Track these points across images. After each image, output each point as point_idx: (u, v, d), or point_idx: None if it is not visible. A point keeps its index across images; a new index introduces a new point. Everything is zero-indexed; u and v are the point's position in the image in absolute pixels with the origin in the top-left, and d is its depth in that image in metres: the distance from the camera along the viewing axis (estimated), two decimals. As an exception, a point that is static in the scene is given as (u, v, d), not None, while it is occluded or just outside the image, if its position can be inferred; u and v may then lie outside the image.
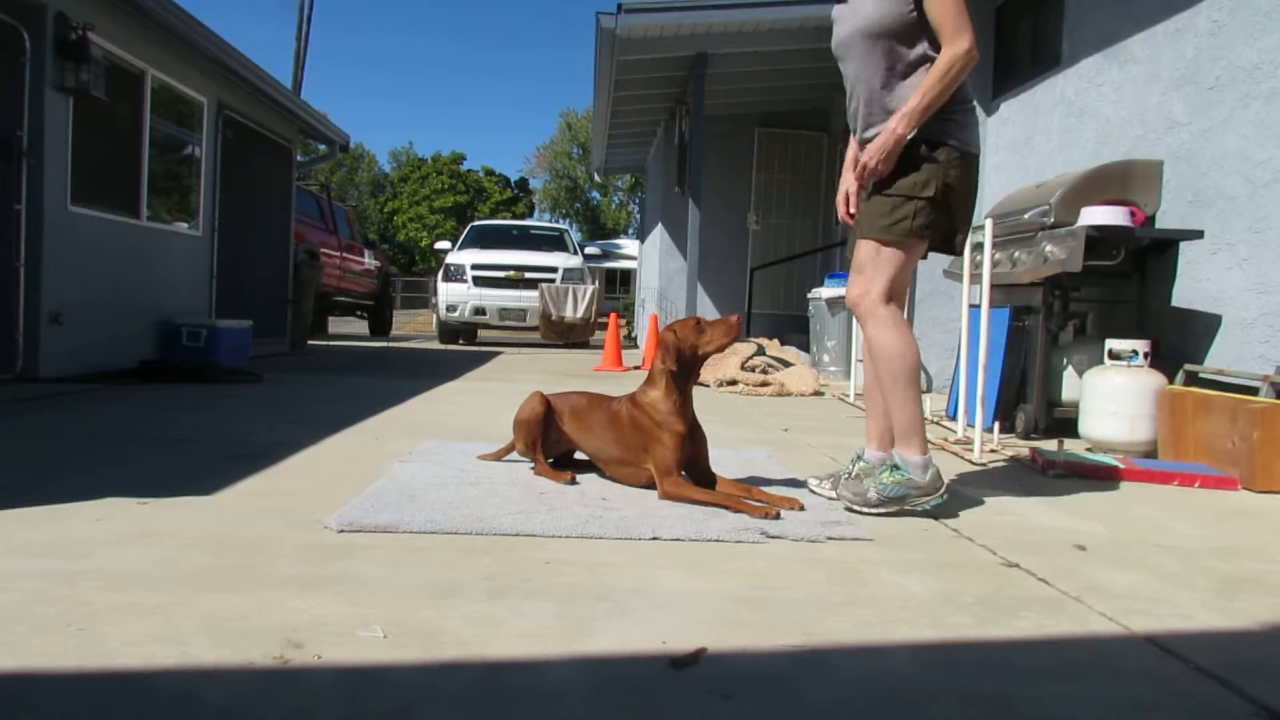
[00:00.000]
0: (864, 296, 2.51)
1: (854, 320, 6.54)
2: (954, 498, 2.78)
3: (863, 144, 2.58)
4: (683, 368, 2.63)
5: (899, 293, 2.56)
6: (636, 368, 8.64)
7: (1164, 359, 4.07)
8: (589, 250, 23.00)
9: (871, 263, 2.49)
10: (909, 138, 2.40)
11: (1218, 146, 4.22)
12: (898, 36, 2.43)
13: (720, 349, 2.67)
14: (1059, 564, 2.08)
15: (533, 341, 12.89)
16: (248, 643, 1.42)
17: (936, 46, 2.41)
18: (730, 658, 1.45)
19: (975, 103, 2.57)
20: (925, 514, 2.48)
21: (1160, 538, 2.39)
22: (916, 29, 2.41)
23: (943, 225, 2.49)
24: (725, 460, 3.07)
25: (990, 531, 2.37)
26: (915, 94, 2.37)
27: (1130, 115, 4.89)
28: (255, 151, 8.40)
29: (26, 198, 5.10)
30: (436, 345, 11.64)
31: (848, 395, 6.04)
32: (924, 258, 2.68)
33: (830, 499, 2.63)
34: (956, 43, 2.33)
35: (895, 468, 2.49)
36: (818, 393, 6.40)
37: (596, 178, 23.32)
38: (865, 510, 2.46)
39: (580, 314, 11.29)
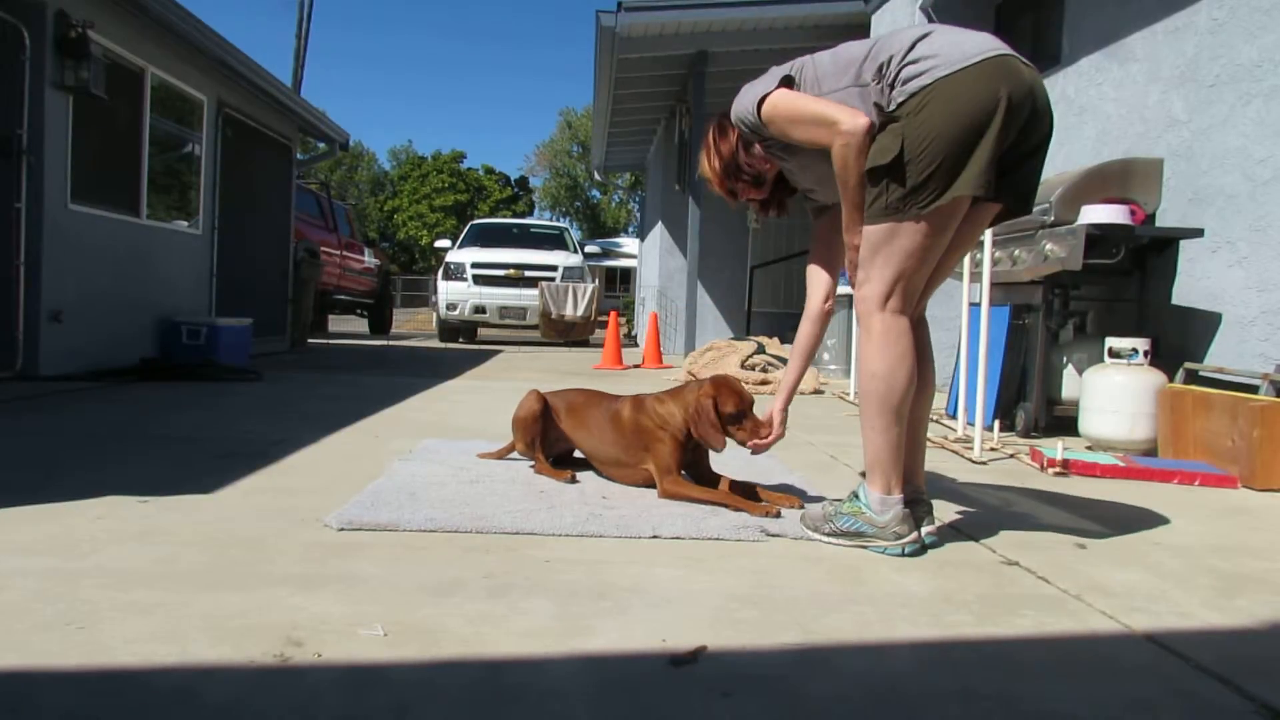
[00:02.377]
0: (861, 299, 2.14)
1: (854, 319, 6.56)
2: (954, 496, 2.79)
3: None
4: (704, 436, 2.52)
5: (906, 300, 2.11)
6: (636, 366, 8.65)
7: (1164, 357, 4.08)
8: (589, 249, 23.00)
9: (869, 254, 2.11)
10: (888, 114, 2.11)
11: (1218, 144, 4.22)
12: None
13: (734, 437, 2.53)
14: (1059, 562, 2.08)
15: (533, 340, 12.89)
16: (248, 641, 1.42)
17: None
18: (730, 656, 1.45)
19: (935, 28, 2.11)
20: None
21: (1160, 536, 2.39)
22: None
23: (930, 188, 1.98)
24: (725, 458, 3.07)
25: (990, 530, 2.37)
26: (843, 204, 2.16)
27: (1130, 113, 4.89)
28: (255, 149, 8.39)
29: (26, 196, 5.10)
30: (436, 344, 11.64)
31: (848, 394, 6.04)
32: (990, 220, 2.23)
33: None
34: (833, 141, 2.07)
35: (855, 497, 2.17)
36: (818, 391, 6.40)
37: (596, 176, 23.26)
38: (817, 537, 2.18)
39: (580, 312, 11.30)
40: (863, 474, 2.19)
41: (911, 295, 2.13)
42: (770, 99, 2.17)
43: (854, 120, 2.03)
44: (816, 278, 2.48)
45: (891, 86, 2.04)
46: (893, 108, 2.03)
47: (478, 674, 1.35)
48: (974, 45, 2.04)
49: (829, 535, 2.17)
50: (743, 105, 2.25)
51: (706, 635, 1.52)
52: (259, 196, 8.59)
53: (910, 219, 2.02)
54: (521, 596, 1.70)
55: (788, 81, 2.18)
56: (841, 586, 1.84)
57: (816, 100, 2.12)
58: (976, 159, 1.96)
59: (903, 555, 2.07)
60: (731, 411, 2.49)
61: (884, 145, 2.02)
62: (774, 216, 2.56)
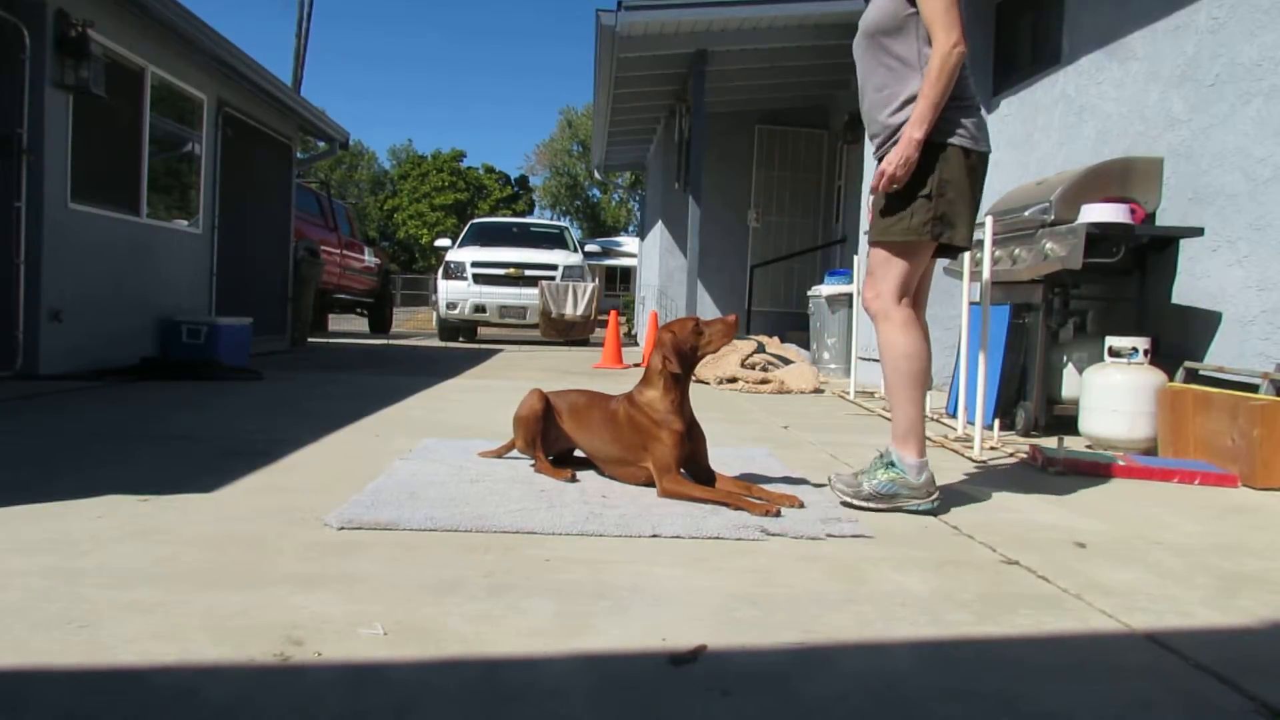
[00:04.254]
0: (876, 299, 2.55)
1: (854, 318, 6.56)
2: (954, 495, 2.79)
3: (878, 147, 2.62)
4: (686, 369, 2.63)
5: (915, 295, 2.57)
6: (636, 365, 8.64)
7: (1164, 356, 4.07)
8: (589, 248, 22.98)
9: (881, 266, 2.54)
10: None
11: (1218, 143, 4.22)
12: (894, 37, 2.48)
13: (717, 349, 2.67)
14: (1059, 561, 2.08)
15: (533, 339, 12.89)
16: (248, 640, 1.42)
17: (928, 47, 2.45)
18: (730, 655, 1.45)
19: (979, 107, 2.57)
20: (915, 514, 2.48)
21: (1160, 535, 2.39)
22: (912, 30, 2.45)
23: (946, 222, 2.49)
24: (725, 458, 3.07)
25: (990, 529, 2.37)
26: (920, 98, 2.41)
27: (1130, 112, 4.89)
28: (255, 148, 8.39)
29: (26, 195, 5.10)
30: (436, 343, 11.64)
31: (848, 393, 6.04)
32: (936, 256, 2.65)
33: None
34: (945, 39, 2.36)
35: (891, 464, 2.50)
36: (818, 390, 6.40)
37: (597, 175, 23.28)
38: (856, 501, 2.49)
39: (580, 311, 11.29)
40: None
41: (911, 294, 2.56)
42: None
43: (959, 47, 2.37)
44: None
45: (943, 115, 2.43)
46: (930, 137, 2.42)
47: (478, 673, 1.35)
48: (986, 135, 2.56)
49: (868, 500, 2.48)
50: None
51: (706, 634, 1.52)
52: (259, 195, 8.59)
53: (925, 240, 2.49)
54: (521, 596, 1.70)
55: None
56: (841, 585, 1.84)
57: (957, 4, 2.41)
58: (971, 221, 2.53)
59: (933, 510, 2.45)
60: (692, 328, 2.64)
61: (919, 178, 2.45)
62: None
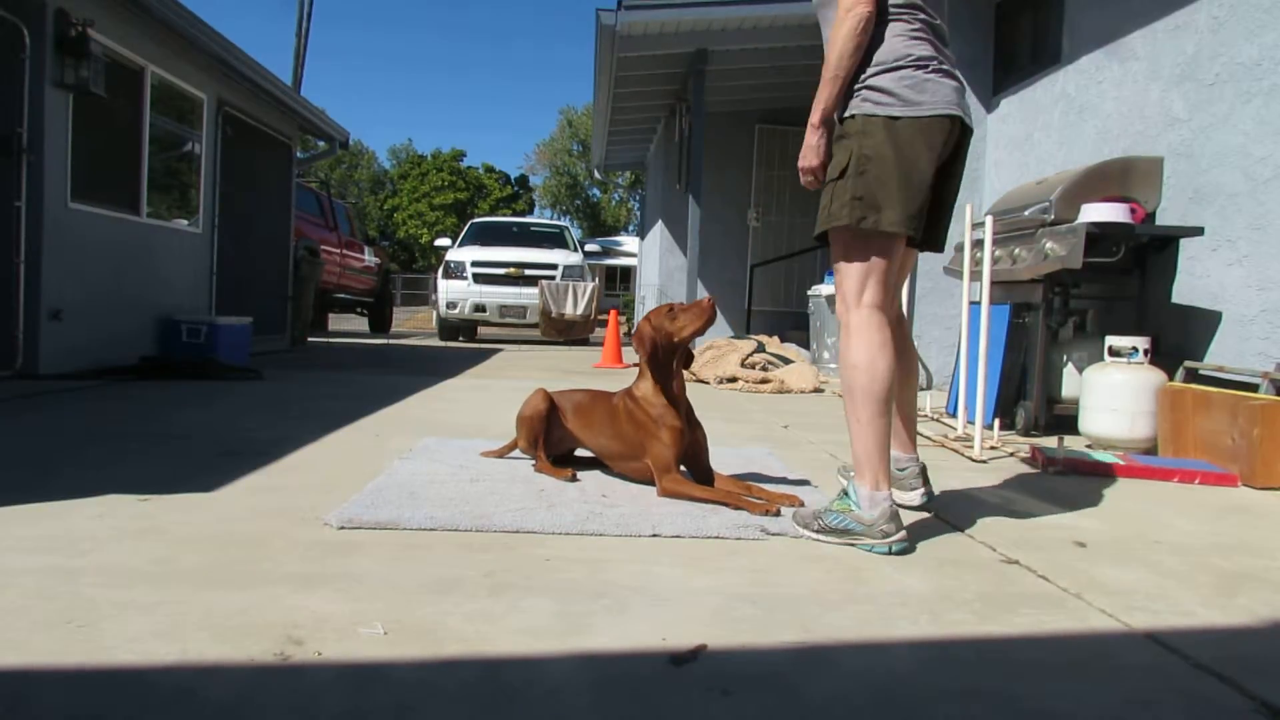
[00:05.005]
0: (839, 299, 2.27)
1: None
2: (954, 495, 2.79)
3: None
4: (662, 356, 2.64)
5: (882, 294, 2.22)
6: (636, 364, 8.64)
7: (1164, 356, 4.08)
8: (589, 247, 22.97)
9: (839, 255, 2.25)
10: (839, 118, 2.22)
11: (1218, 143, 4.22)
12: (828, 8, 2.28)
13: (697, 332, 2.63)
14: (1059, 561, 2.08)
15: (533, 339, 12.89)
16: (248, 639, 1.42)
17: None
18: (730, 654, 1.45)
19: (923, 65, 2.16)
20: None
21: (1160, 534, 2.39)
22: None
23: (870, 204, 2.14)
24: (725, 457, 3.08)
25: (990, 528, 2.37)
26: (822, 77, 2.18)
27: (1131, 112, 4.89)
28: (255, 148, 8.39)
29: (26, 194, 5.10)
30: (436, 342, 11.64)
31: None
32: (913, 247, 2.35)
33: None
34: (842, 4, 2.12)
35: (845, 495, 2.19)
36: (818, 390, 6.40)
37: (597, 175, 23.30)
38: (805, 533, 2.19)
39: (580, 311, 11.29)
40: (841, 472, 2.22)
41: (884, 288, 2.23)
42: None
43: (858, 8, 2.11)
44: None
45: (859, 89, 2.18)
46: (849, 114, 2.18)
47: (478, 672, 1.35)
48: (932, 95, 2.16)
49: (818, 532, 2.17)
50: None
51: (706, 634, 1.52)
52: (259, 195, 8.58)
53: (847, 224, 2.17)
54: (521, 595, 1.70)
55: None
56: (841, 585, 1.84)
57: None
58: (907, 200, 2.14)
59: (889, 554, 2.07)
60: (666, 313, 2.64)
61: (837, 160, 2.20)
62: None
